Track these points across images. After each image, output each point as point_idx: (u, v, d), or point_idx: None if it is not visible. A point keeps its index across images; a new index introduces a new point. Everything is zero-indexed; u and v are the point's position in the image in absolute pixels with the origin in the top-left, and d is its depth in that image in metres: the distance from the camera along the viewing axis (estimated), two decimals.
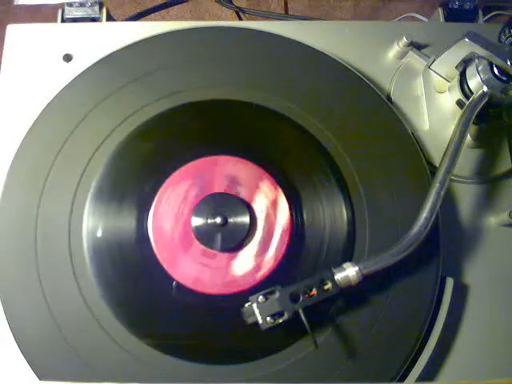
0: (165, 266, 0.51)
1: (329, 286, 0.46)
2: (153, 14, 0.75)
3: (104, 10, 0.64)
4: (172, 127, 0.56)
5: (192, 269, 0.51)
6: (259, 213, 0.53)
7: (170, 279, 0.51)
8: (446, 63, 0.58)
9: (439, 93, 0.59)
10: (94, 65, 0.58)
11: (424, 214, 0.48)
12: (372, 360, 0.50)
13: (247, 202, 0.53)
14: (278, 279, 0.49)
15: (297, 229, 0.53)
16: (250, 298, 0.46)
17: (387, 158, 0.56)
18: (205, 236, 0.52)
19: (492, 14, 0.71)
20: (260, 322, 0.45)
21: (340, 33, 0.63)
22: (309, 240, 0.53)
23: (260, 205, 0.53)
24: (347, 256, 0.52)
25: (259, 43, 0.60)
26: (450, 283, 0.53)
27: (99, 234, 0.52)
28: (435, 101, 0.60)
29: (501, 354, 0.53)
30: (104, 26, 0.63)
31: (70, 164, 0.54)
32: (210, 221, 0.52)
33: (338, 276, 0.46)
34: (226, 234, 0.52)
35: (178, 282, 0.51)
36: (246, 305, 0.45)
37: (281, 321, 0.45)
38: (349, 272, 0.46)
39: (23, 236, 0.52)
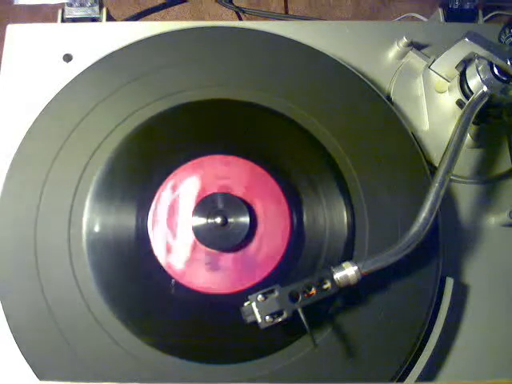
0: (164, 265, 0.51)
1: (328, 285, 0.46)
2: (153, 14, 0.75)
3: (104, 10, 0.65)
4: (172, 127, 0.56)
5: (192, 268, 0.51)
6: (259, 213, 0.53)
7: (170, 278, 0.51)
8: (446, 63, 0.59)
9: (439, 93, 0.59)
10: (94, 65, 0.58)
11: (423, 213, 0.48)
12: (372, 360, 0.50)
13: (247, 201, 0.53)
14: (278, 279, 0.49)
15: (297, 228, 0.53)
16: (250, 296, 0.46)
17: (387, 158, 0.56)
18: (205, 236, 0.52)
19: (492, 13, 0.71)
20: (259, 321, 0.45)
21: (340, 33, 0.63)
22: (309, 240, 0.53)
23: (260, 205, 0.53)
24: (347, 256, 0.52)
25: (259, 43, 0.60)
26: (449, 283, 0.53)
27: (99, 233, 0.52)
28: (435, 101, 0.60)
29: (501, 354, 0.53)
30: (104, 25, 0.63)
31: (69, 164, 0.54)
32: (210, 221, 0.52)
33: (337, 275, 0.46)
34: (226, 234, 0.52)
35: (176, 281, 0.51)
36: (245, 304, 0.45)
37: (280, 320, 0.45)
38: (348, 271, 0.46)
39: (23, 236, 0.52)
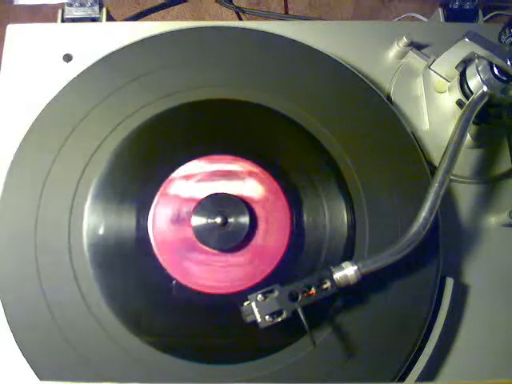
0: (164, 265, 0.51)
1: (328, 285, 0.46)
2: (153, 14, 0.75)
3: (104, 10, 0.65)
4: (171, 127, 0.56)
5: (192, 268, 0.51)
6: (259, 213, 0.53)
7: (170, 278, 0.51)
8: (446, 63, 0.59)
9: (439, 93, 0.59)
10: (94, 65, 0.58)
11: (423, 213, 0.48)
12: (372, 360, 0.50)
13: (247, 201, 0.53)
14: (278, 279, 0.49)
15: (297, 229, 0.53)
16: (249, 296, 0.45)
17: (387, 157, 0.56)
18: (205, 236, 0.52)
19: (492, 13, 0.71)
20: (259, 320, 0.45)
21: (340, 33, 0.63)
22: (309, 240, 0.53)
23: (260, 205, 0.53)
24: (347, 256, 0.52)
25: (259, 43, 0.60)
26: (449, 283, 0.53)
27: (99, 233, 0.52)
28: (435, 101, 0.60)
29: (501, 354, 0.53)
30: (104, 25, 0.63)
31: (69, 164, 0.54)
32: (210, 221, 0.52)
33: (337, 275, 0.46)
34: (226, 234, 0.52)
35: (177, 281, 0.51)
36: (245, 303, 0.45)
37: (279, 319, 0.45)
38: (347, 271, 0.46)
39: (23, 236, 0.52)
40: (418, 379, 0.50)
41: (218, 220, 0.51)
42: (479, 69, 0.54)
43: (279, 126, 0.57)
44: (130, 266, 0.52)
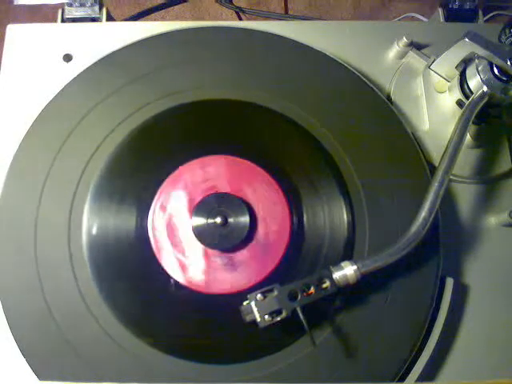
0: (164, 265, 0.51)
1: (327, 284, 0.46)
2: (153, 14, 0.75)
3: (104, 10, 0.65)
4: (171, 127, 0.56)
5: (192, 268, 0.51)
6: (259, 213, 0.53)
7: (169, 279, 0.51)
8: (446, 63, 0.59)
9: (439, 93, 0.59)
10: (94, 65, 0.58)
11: (423, 213, 0.48)
12: (372, 360, 0.50)
13: (247, 201, 0.53)
14: (278, 279, 0.49)
15: (297, 229, 0.53)
16: (249, 295, 0.46)
17: (387, 157, 0.56)
18: (205, 236, 0.52)
19: (492, 14, 0.71)
20: (258, 319, 0.45)
21: (340, 33, 0.63)
22: (308, 240, 0.53)
23: (260, 205, 0.53)
24: (347, 256, 0.52)
25: (259, 43, 0.60)
26: (449, 283, 0.53)
27: (99, 234, 0.52)
28: (435, 101, 0.60)
29: (501, 354, 0.53)
30: (104, 25, 0.63)
31: (69, 164, 0.54)
32: (210, 221, 0.52)
33: (337, 275, 0.46)
34: (226, 234, 0.52)
35: (176, 281, 0.51)
36: (245, 303, 0.45)
37: (279, 319, 0.45)
38: (347, 271, 0.46)
39: (23, 236, 0.52)
40: (418, 379, 0.50)
41: (218, 220, 0.51)
42: (479, 69, 0.54)
43: (279, 126, 0.57)
44: (129, 266, 0.52)
